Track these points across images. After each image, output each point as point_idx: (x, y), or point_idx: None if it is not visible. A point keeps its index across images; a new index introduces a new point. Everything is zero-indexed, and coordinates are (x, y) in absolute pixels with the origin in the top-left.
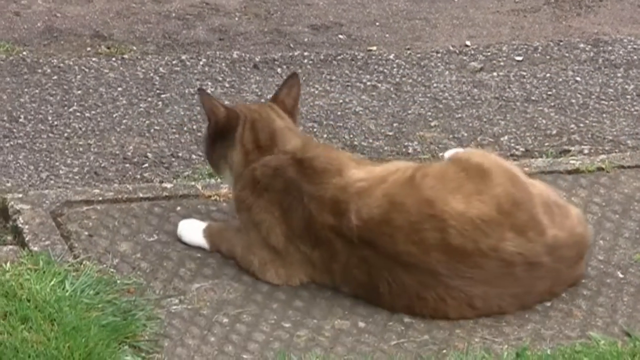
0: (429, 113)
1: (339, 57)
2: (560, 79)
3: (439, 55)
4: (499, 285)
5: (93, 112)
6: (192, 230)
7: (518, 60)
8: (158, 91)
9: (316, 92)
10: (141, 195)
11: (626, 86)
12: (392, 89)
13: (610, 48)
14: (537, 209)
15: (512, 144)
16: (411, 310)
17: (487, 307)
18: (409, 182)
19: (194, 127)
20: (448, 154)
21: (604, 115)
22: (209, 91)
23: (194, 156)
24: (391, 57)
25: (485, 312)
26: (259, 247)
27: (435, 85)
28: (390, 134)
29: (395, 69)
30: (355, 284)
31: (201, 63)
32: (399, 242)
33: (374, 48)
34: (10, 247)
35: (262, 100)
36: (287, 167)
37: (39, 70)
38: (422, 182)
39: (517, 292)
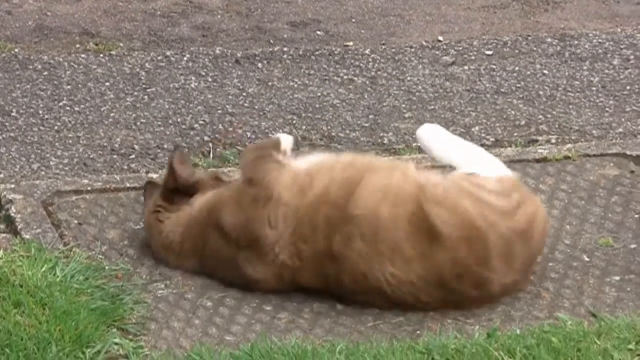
0: (403, 105)
1: (317, 53)
2: (529, 72)
3: (413, 50)
4: None
5: (82, 106)
6: None
7: (488, 55)
8: (144, 86)
9: (295, 85)
10: (128, 185)
11: (591, 78)
12: (367, 82)
13: (576, 42)
14: (492, 264)
15: (483, 134)
16: None
17: None
18: (330, 257)
19: (179, 119)
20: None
21: (571, 106)
22: (192, 85)
23: None
24: (367, 52)
25: None
26: None
27: (409, 78)
28: (366, 125)
29: (370, 64)
30: None
31: (185, 59)
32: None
33: (351, 43)
34: (3, 235)
35: (243, 94)
36: None
37: (30, 67)
38: (347, 251)
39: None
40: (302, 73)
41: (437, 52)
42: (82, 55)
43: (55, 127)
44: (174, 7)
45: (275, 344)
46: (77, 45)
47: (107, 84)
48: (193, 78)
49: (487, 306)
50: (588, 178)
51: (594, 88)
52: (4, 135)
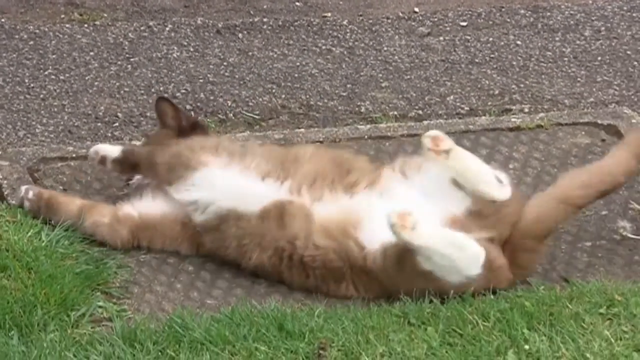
0: (380, 75)
1: (296, 23)
2: (502, 43)
3: (389, 21)
4: None
5: (67, 75)
6: None
7: (463, 26)
8: (127, 55)
9: (275, 55)
10: None
11: (563, 49)
12: (345, 52)
13: (548, 14)
14: None
15: (458, 104)
16: None
17: None
18: None
19: (161, 88)
20: None
21: (543, 76)
22: (174, 55)
23: None
24: (345, 22)
25: None
26: None
27: (385, 49)
28: (344, 94)
29: (348, 34)
30: None
31: (167, 29)
32: None
33: (329, 14)
34: None
35: (224, 64)
36: None
37: (16, 36)
38: None
39: None
40: (281, 43)
41: (413, 23)
42: (67, 25)
43: (41, 96)
44: None
45: (256, 308)
46: (62, 16)
47: (91, 53)
48: (175, 48)
49: None
50: (560, 146)
51: (565, 58)
52: None
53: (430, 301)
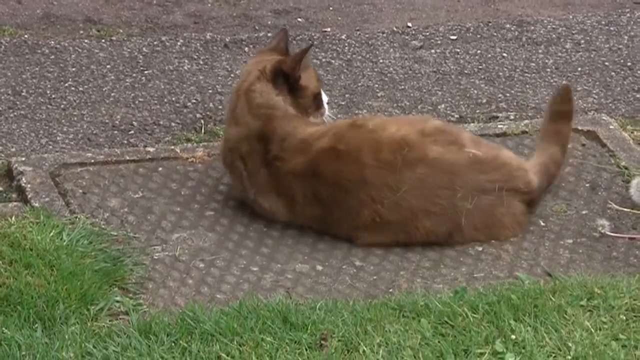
0: (376, 85)
1: (298, 38)
2: (489, 55)
3: (385, 35)
4: (421, 196)
5: (85, 86)
6: None
7: (453, 39)
8: (142, 68)
9: None
10: (128, 158)
11: (546, 61)
12: (344, 64)
13: (532, 28)
14: (463, 137)
15: (448, 111)
16: (354, 229)
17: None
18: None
19: (173, 99)
20: None
21: (527, 86)
22: (185, 67)
23: (173, 124)
24: (343, 37)
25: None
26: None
27: (381, 61)
28: (343, 103)
29: (346, 48)
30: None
31: (179, 43)
32: (343, 166)
33: (328, 29)
34: (15, 203)
35: (232, 76)
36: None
37: (39, 51)
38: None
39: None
40: None
41: (406, 37)
42: (86, 41)
43: (62, 106)
44: None
45: (262, 302)
46: (81, 32)
47: (108, 66)
48: (186, 61)
49: (452, 266)
50: None
51: (548, 69)
52: (15, 113)
53: (424, 295)
